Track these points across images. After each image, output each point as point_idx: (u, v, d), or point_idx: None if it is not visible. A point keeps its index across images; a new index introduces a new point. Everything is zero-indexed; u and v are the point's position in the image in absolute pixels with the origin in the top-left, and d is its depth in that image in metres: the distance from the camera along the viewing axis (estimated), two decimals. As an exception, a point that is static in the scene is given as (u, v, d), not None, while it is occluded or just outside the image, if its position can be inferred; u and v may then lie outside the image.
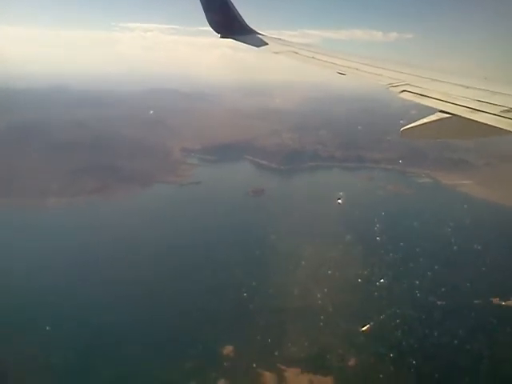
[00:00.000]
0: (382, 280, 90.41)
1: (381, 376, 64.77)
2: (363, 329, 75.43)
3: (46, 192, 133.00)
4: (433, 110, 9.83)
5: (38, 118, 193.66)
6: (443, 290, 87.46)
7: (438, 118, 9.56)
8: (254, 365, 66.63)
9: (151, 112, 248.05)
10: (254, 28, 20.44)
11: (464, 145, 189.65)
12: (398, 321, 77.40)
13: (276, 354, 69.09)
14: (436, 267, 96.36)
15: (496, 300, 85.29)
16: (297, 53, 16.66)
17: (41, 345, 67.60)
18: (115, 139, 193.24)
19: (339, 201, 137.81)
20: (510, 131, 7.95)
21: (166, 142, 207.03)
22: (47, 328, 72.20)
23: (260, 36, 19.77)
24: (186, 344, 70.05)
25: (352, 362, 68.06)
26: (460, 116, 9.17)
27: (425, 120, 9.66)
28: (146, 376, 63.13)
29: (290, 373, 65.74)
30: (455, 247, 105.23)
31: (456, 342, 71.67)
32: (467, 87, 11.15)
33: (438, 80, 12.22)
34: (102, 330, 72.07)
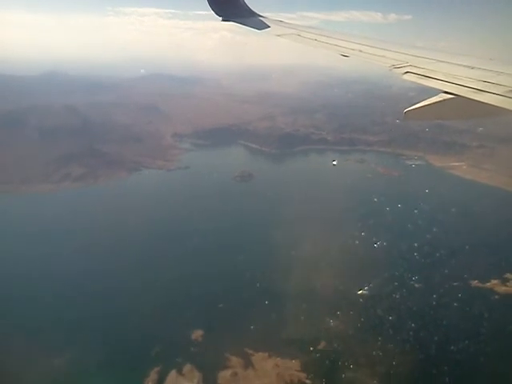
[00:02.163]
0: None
1: (348, 361, 64.19)
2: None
3: (30, 178, 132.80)
4: (434, 92, 9.78)
5: (29, 104, 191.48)
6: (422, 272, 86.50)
7: (441, 99, 9.46)
8: (222, 349, 66.20)
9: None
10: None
11: (458, 127, 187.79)
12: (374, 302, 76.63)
13: (246, 337, 68.59)
14: (414, 249, 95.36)
15: (475, 282, 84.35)
16: (299, 35, 16.64)
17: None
18: (106, 125, 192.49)
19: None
20: None
21: (159, 127, 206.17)
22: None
23: (262, 19, 19.62)
24: (155, 329, 69.55)
25: (321, 345, 67.36)
26: (464, 97, 9.09)
27: (428, 101, 9.58)
28: (105, 362, 62.75)
29: (258, 357, 65.22)
30: (435, 229, 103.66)
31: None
32: (472, 68, 10.99)
33: (441, 61, 12.07)
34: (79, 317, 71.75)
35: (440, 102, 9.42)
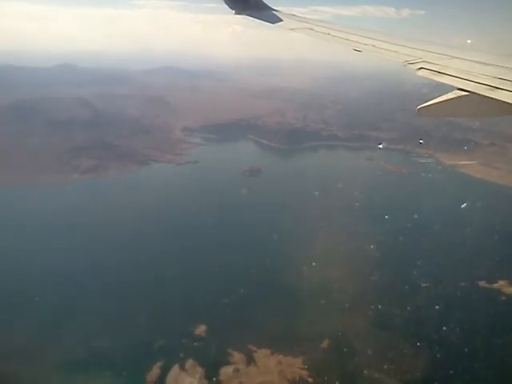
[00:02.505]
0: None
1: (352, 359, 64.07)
2: None
3: (40, 170, 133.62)
4: (447, 88, 9.60)
5: (42, 95, 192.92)
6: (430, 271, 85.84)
7: (455, 96, 9.24)
8: (225, 345, 66.34)
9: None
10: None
11: (469, 124, 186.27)
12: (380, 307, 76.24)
13: (249, 334, 68.65)
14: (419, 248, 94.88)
15: (483, 283, 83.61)
16: (312, 29, 16.45)
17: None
18: (117, 117, 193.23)
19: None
20: None
21: (169, 121, 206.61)
22: (36, 299, 73.55)
23: (275, 12, 19.41)
24: (158, 324, 69.91)
25: (325, 343, 67.22)
26: (478, 94, 8.89)
27: (442, 98, 9.37)
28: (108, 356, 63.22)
29: (260, 354, 65.30)
30: (442, 228, 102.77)
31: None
32: (487, 64, 10.77)
33: (456, 57, 11.83)
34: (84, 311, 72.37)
35: (454, 99, 9.25)
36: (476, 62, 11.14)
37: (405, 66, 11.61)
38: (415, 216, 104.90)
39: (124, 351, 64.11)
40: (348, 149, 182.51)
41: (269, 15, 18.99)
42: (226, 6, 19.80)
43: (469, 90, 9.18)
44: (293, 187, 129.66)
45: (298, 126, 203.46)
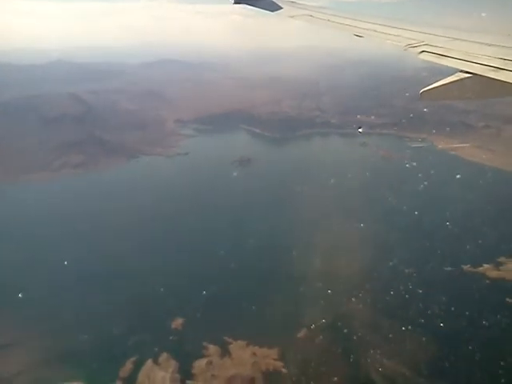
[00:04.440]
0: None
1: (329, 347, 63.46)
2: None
3: (30, 167, 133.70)
4: (447, 71, 9.56)
5: (33, 93, 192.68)
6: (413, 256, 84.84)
7: (458, 78, 9.18)
8: (201, 338, 65.96)
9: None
10: None
11: (466, 107, 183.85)
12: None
13: (227, 326, 68.26)
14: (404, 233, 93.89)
15: (467, 267, 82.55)
16: (312, 16, 16.40)
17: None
18: (109, 112, 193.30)
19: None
20: None
21: (162, 114, 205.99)
22: (19, 295, 73.64)
23: (274, 0, 19.20)
24: (135, 318, 69.68)
25: (302, 333, 66.63)
26: (482, 75, 8.80)
27: (445, 81, 9.31)
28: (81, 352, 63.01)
29: (236, 345, 64.83)
30: (427, 212, 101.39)
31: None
32: (489, 45, 10.61)
33: (458, 39, 11.68)
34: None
35: (457, 81, 9.14)
36: (479, 43, 10.99)
37: (406, 49, 11.52)
38: (399, 201, 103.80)
39: (98, 346, 63.99)
40: (341, 135, 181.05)
41: (268, 3, 18.86)
42: None
43: (472, 71, 9.08)
44: (282, 176, 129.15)
45: (293, 114, 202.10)
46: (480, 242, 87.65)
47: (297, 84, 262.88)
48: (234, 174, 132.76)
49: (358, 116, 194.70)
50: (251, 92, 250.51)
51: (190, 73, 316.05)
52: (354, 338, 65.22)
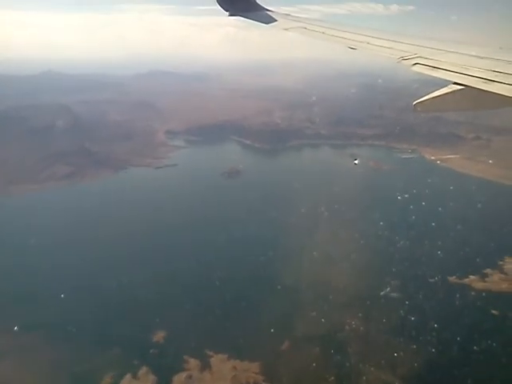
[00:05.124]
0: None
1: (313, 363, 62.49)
2: None
3: (16, 179, 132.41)
4: (440, 83, 9.71)
5: (21, 103, 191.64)
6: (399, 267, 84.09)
7: (451, 90, 9.35)
8: (182, 351, 64.87)
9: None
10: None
11: (456, 118, 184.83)
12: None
13: (208, 339, 67.23)
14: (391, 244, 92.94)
15: (453, 278, 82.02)
16: (306, 28, 16.69)
17: None
18: (99, 123, 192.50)
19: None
20: None
21: (153, 125, 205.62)
22: None
23: (268, 12, 19.69)
24: (116, 332, 68.56)
25: (285, 345, 65.63)
26: (474, 87, 8.98)
27: (438, 93, 9.47)
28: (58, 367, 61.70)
29: (216, 359, 63.73)
30: (413, 223, 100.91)
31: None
32: (481, 57, 10.91)
33: (451, 51, 11.98)
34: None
35: (450, 93, 9.29)
36: (471, 55, 11.25)
37: (399, 62, 11.67)
38: (386, 212, 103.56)
39: (78, 360, 62.68)
40: (332, 146, 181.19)
41: (263, 16, 19.22)
42: (218, 8, 19.97)
43: (464, 83, 9.24)
44: (270, 188, 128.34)
45: (283, 125, 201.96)
46: (467, 253, 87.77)
47: (287, 94, 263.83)
48: (223, 185, 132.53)
49: (351, 128, 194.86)
50: (243, 103, 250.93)
51: (183, 84, 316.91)
52: (339, 350, 64.38)
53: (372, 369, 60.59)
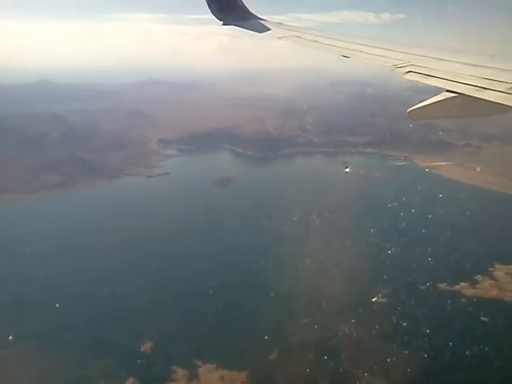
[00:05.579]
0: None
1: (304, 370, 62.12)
2: None
3: (7, 188, 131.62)
4: (433, 90, 9.84)
5: (15, 113, 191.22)
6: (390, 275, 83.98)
7: (444, 97, 9.47)
8: (170, 361, 64.35)
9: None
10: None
11: (447, 126, 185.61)
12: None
13: (197, 349, 66.78)
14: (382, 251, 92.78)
15: (443, 285, 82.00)
16: (299, 37, 16.69)
17: None
18: (92, 132, 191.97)
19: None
20: None
21: (145, 134, 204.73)
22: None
23: (262, 21, 19.83)
24: (104, 342, 67.99)
25: (274, 355, 65.19)
26: (467, 95, 9.10)
27: (431, 100, 9.58)
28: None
29: (204, 369, 63.24)
30: (403, 230, 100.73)
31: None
32: (474, 65, 10.97)
33: (443, 59, 12.05)
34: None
35: (443, 100, 9.40)
36: (463, 63, 11.28)
37: (393, 70, 11.77)
38: (376, 219, 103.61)
39: (64, 372, 62.05)
40: (324, 154, 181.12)
41: (256, 24, 19.28)
42: (211, 17, 20.06)
43: (457, 91, 9.34)
44: (261, 197, 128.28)
45: (275, 133, 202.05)
46: (457, 259, 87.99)
47: (280, 103, 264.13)
48: (214, 193, 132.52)
49: (343, 135, 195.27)
50: (236, 111, 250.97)
51: (177, 93, 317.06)
52: (327, 360, 64.11)
53: (366, 374, 60.50)
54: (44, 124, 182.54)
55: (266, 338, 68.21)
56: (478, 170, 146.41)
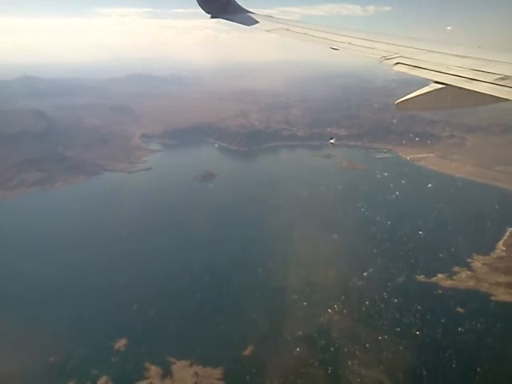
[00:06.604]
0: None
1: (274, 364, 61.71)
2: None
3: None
4: (420, 82, 9.82)
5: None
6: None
7: (432, 89, 9.46)
8: (144, 358, 63.59)
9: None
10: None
11: (432, 118, 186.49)
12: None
13: (172, 345, 66.13)
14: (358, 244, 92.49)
15: (421, 277, 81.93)
16: (288, 30, 16.62)
17: None
18: (74, 128, 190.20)
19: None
20: (505, 99, 7.91)
21: (129, 129, 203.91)
22: None
23: (250, 14, 19.77)
24: (76, 341, 67.07)
25: (248, 351, 64.70)
26: (455, 86, 9.11)
27: (419, 92, 9.57)
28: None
29: (178, 366, 62.60)
30: (383, 221, 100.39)
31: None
32: (462, 57, 11.00)
33: (432, 51, 12.07)
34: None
35: (431, 92, 9.39)
36: (452, 54, 11.33)
37: (381, 61, 11.74)
38: (356, 211, 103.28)
39: (36, 370, 61.13)
40: (307, 148, 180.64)
41: (244, 17, 19.23)
42: (196, 11, 20.58)
43: (445, 82, 9.36)
44: (243, 190, 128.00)
45: (260, 127, 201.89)
46: (437, 251, 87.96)
47: (265, 97, 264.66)
48: (196, 188, 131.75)
49: (328, 129, 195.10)
50: (221, 106, 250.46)
51: (161, 87, 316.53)
52: (303, 354, 63.71)
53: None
54: (24, 120, 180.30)
55: (242, 333, 67.61)
56: (463, 160, 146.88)
